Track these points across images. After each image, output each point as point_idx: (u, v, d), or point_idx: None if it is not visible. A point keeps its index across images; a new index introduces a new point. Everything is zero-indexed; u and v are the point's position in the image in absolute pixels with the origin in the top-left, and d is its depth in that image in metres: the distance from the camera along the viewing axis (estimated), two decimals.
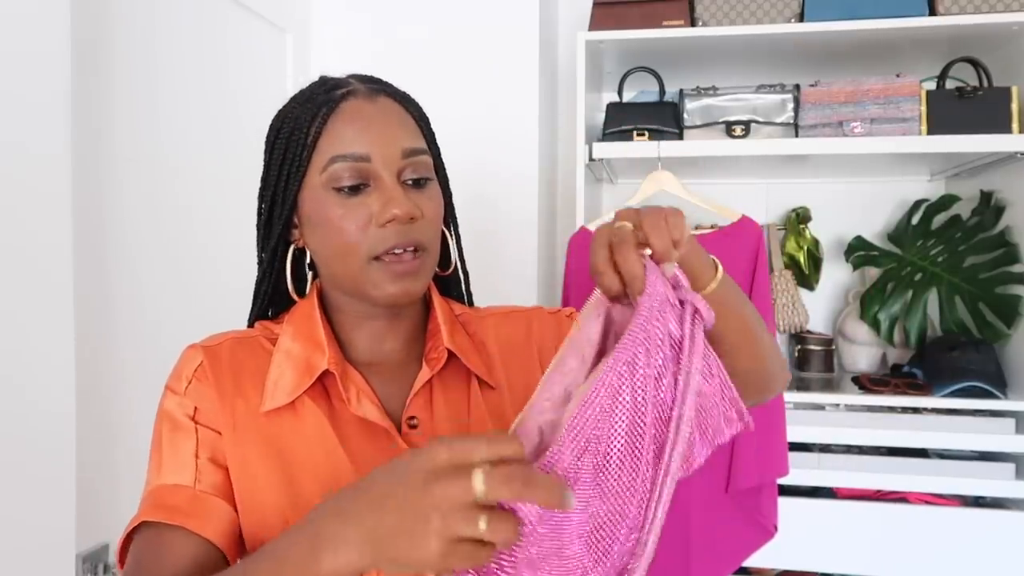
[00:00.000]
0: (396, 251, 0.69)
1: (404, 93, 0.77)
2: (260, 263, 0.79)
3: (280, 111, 0.76)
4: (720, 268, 0.72)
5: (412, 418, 0.74)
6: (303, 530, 0.53)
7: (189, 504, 0.67)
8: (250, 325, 0.81)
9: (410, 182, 0.72)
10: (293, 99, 0.75)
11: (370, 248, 0.69)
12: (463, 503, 0.46)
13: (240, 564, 0.58)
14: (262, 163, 0.77)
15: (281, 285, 0.79)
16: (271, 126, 0.76)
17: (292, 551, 0.52)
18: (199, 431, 0.71)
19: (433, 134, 0.78)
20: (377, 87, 0.75)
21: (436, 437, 0.50)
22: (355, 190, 0.70)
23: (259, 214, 0.78)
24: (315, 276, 0.80)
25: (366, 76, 0.77)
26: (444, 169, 0.80)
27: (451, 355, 0.76)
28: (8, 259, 0.97)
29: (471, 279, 0.86)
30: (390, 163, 0.70)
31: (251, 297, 0.81)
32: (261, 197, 0.77)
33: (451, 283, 0.84)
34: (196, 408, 0.71)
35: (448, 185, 0.81)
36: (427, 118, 0.78)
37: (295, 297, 0.78)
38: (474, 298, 0.88)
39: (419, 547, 0.46)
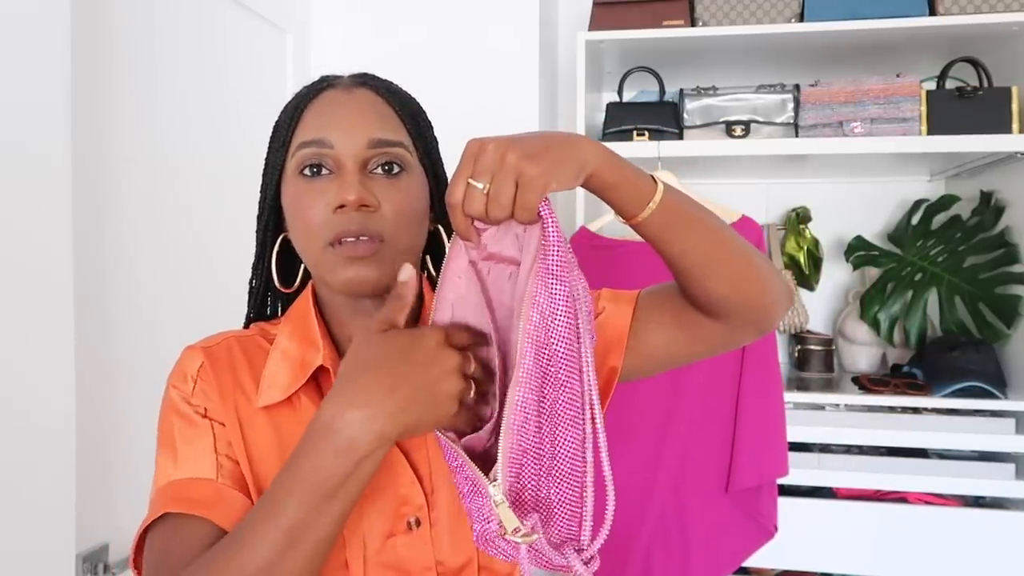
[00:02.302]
0: (349, 239, 0.69)
1: (390, 86, 0.76)
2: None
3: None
4: (659, 194, 0.67)
5: None
6: (321, 436, 0.59)
7: (213, 496, 0.67)
8: (246, 325, 0.81)
9: (379, 172, 0.71)
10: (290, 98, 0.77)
11: (325, 234, 0.69)
12: (459, 371, 0.61)
13: (269, 490, 0.61)
14: None
15: (273, 279, 0.79)
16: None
17: (320, 456, 0.58)
18: (214, 427, 0.71)
19: (423, 128, 0.77)
20: (360, 80, 0.75)
21: (422, 329, 0.63)
22: (317, 175, 0.70)
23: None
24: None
25: (360, 72, 0.77)
26: (437, 164, 0.78)
27: None
28: (8, 259, 0.97)
29: None
30: (355, 151, 0.70)
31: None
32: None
33: None
34: (206, 408, 0.72)
35: (439, 181, 0.79)
36: (416, 112, 0.76)
37: (279, 286, 0.78)
38: None
39: (435, 410, 0.60)
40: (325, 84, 0.74)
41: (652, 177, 0.68)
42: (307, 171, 0.71)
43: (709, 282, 0.73)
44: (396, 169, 0.72)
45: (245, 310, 0.82)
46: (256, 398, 0.72)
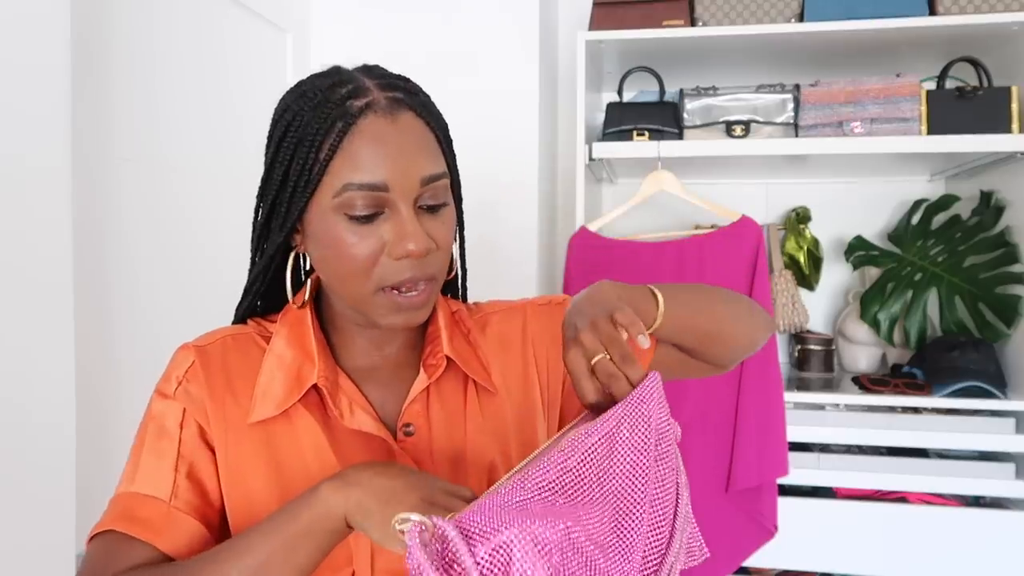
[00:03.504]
0: (406, 285, 0.68)
1: (426, 102, 0.71)
2: (253, 262, 0.76)
3: (288, 104, 0.69)
4: (661, 304, 0.73)
5: (407, 425, 0.73)
6: (307, 493, 0.62)
7: (162, 520, 0.66)
8: (238, 320, 0.79)
9: (425, 208, 0.69)
10: (303, 95, 0.68)
11: (380, 279, 0.67)
12: (425, 503, 0.57)
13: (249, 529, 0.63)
14: (264, 157, 0.72)
15: (275, 285, 0.77)
16: (276, 119, 0.71)
17: (292, 512, 0.61)
18: (183, 439, 0.69)
19: (451, 141, 0.74)
20: (398, 98, 0.68)
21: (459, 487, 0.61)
22: (369, 218, 0.66)
23: (256, 212, 0.74)
24: (308, 274, 0.78)
25: (384, 76, 0.70)
26: (458, 177, 0.77)
27: (449, 360, 0.75)
28: (8, 259, 0.97)
29: (471, 279, 0.86)
30: (408, 192, 0.66)
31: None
32: (261, 196, 0.73)
33: (449, 282, 0.83)
34: (185, 410, 0.70)
35: (460, 191, 0.78)
36: (447, 126, 0.73)
37: (291, 303, 0.76)
38: (475, 297, 0.88)
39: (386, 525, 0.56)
40: (362, 106, 0.66)
41: (651, 291, 0.73)
42: (359, 216, 0.66)
43: (709, 353, 0.81)
44: (442, 203, 0.70)
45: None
46: (249, 405, 0.71)
